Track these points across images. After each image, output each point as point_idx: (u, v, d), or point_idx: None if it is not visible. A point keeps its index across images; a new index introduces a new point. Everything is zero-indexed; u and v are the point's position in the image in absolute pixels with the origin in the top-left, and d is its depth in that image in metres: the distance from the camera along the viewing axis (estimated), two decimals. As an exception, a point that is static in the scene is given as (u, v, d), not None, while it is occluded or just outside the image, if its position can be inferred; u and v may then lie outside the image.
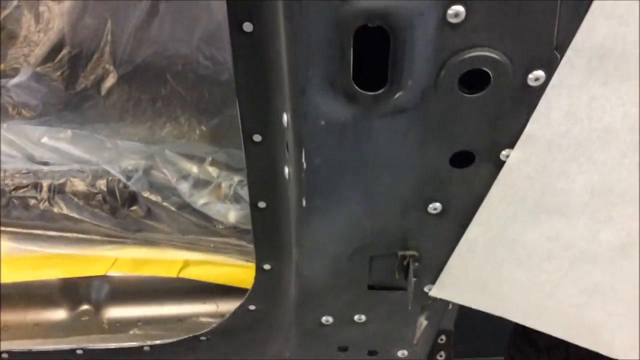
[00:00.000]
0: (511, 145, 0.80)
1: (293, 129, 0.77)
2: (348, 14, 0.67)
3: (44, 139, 1.39)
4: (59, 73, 1.57)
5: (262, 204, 0.96)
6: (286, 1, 0.67)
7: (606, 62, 0.72)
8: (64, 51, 1.58)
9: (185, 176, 1.33)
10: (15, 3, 1.62)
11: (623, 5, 0.67)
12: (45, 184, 1.30)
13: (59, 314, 1.45)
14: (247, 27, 0.75)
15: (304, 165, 0.79)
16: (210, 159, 1.40)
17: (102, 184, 1.30)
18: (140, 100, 1.55)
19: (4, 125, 1.42)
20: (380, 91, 0.73)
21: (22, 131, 1.41)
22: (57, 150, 1.38)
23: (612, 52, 0.71)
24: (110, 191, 1.30)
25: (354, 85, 0.73)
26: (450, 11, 0.67)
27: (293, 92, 0.74)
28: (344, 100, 0.74)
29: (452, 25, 0.68)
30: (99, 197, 1.30)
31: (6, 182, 1.29)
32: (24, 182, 1.30)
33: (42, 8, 1.61)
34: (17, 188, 1.29)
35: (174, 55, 1.53)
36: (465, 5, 0.67)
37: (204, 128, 1.50)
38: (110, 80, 1.56)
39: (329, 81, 0.72)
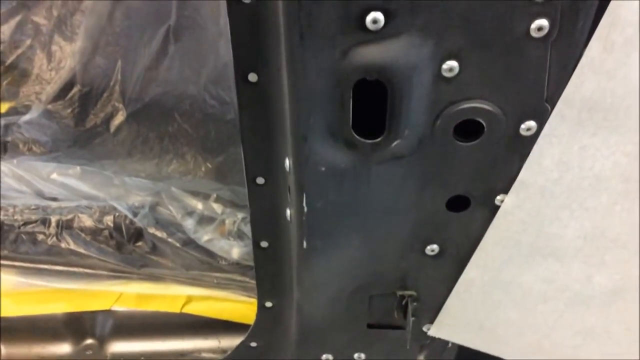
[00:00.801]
0: (505, 191, 0.83)
1: (295, 174, 0.81)
2: (347, 68, 0.70)
3: (54, 175, 1.43)
4: (69, 110, 1.62)
5: (264, 244, 0.99)
6: (289, 55, 0.71)
7: (595, 114, 0.75)
8: (75, 89, 1.63)
9: (190, 212, 1.36)
10: (28, 42, 1.67)
11: (610, 61, 0.70)
12: (53, 219, 1.33)
13: (64, 348, 1.47)
14: (252, 77, 0.79)
15: (305, 209, 0.82)
16: (215, 195, 1.43)
17: (109, 219, 1.33)
18: (148, 137, 1.59)
19: (15, 161, 1.46)
20: (379, 139, 0.77)
21: (32, 167, 1.45)
22: (66, 186, 1.42)
23: (600, 105, 0.74)
24: (117, 227, 1.33)
25: (354, 133, 0.76)
26: (445, 66, 0.71)
27: (295, 140, 0.77)
28: (343, 148, 0.77)
29: (447, 79, 0.72)
30: (106, 232, 1.33)
31: (15, 217, 1.32)
32: (33, 217, 1.33)
33: (54, 47, 1.66)
34: (26, 223, 1.32)
35: (181, 95, 1.57)
36: (459, 61, 0.70)
37: (209, 165, 1.53)
38: (119, 118, 1.61)
39: (330, 130, 0.76)
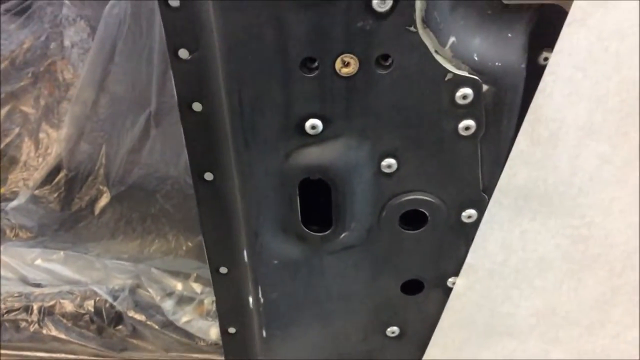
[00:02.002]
0: (456, 273, 0.87)
1: (249, 268, 0.84)
2: (291, 170, 0.75)
3: (38, 261, 1.47)
4: (55, 195, 1.67)
5: (231, 330, 1.01)
6: (237, 159, 0.76)
7: (531, 201, 0.79)
8: (61, 174, 1.69)
9: (169, 294, 1.39)
10: (17, 131, 1.74)
11: (538, 153, 0.75)
12: (35, 306, 1.36)
13: None
14: (208, 176, 0.83)
15: (262, 300, 0.85)
16: (195, 274, 1.46)
17: (89, 304, 1.36)
18: (131, 218, 1.64)
19: (1, 247, 1.50)
20: (328, 232, 0.81)
21: (18, 253, 1.49)
22: (50, 271, 1.45)
23: (534, 193, 0.78)
24: (98, 311, 1.36)
25: (303, 227, 0.80)
26: (384, 163, 0.75)
27: (247, 236, 0.81)
28: (295, 241, 0.81)
29: (387, 174, 0.76)
30: (87, 317, 1.36)
31: (-1, 305, 1.36)
32: (16, 305, 1.36)
33: (41, 135, 1.73)
34: (9, 311, 1.35)
35: (163, 176, 1.63)
36: (396, 158, 0.75)
37: (190, 244, 1.57)
38: (103, 200, 1.66)
39: (280, 225, 0.80)
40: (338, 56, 0.68)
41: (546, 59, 0.72)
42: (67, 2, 1.77)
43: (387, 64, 0.69)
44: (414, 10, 0.65)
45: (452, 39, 0.68)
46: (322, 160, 0.74)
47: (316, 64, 0.69)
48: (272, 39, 0.67)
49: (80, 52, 1.76)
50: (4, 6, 1.83)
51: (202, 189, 0.84)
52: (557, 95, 0.71)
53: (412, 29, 0.66)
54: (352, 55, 0.68)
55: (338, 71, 0.69)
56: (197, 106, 0.77)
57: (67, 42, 1.76)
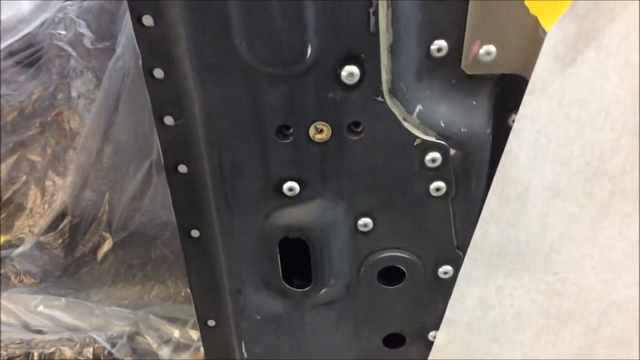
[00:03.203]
0: (436, 327, 0.89)
1: (233, 323, 0.87)
2: (270, 229, 0.78)
3: (40, 308, 1.50)
4: (60, 241, 1.71)
5: (221, 382, 1.04)
6: (219, 218, 0.79)
7: (504, 258, 0.81)
8: (66, 221, 1.73)
9: (166, 341, 1.41)
10: (24, 178, 1.80)
11: (508, 212, 0.78)
12: (36, 353, 1.39)
13: None
14: (195, 233, 0.87)
15: (245, 355, 0.87)
16: (192, 321, 1.49)
17: (88, 351, 1.39)
18: (132, 264, 1.67)
19: (4, 294, 1.54)
20: (308, 288, 0.83)
21: (21, 300, 1.52)
22: (52, 318, 1.48)
23: (507, 250, 0.81)
24: (96, 358, 1.38)
25: (284, 284, 0.83)
26: (360, 222, 0.79)
27: (230, 292, 0.84)
28: (276, 297, 0.84)
29: (364, 233, 0.79)
30: (86, 364, 1.38)
31: (0, 352, 1.38)
32: (17, 352, 1.39)
33: (48, 182, 1.78)
34: (10, 358, 1.38)
35: (164, 223, 1.67)
36: (371, 218, 0.78)
37: (188, 290, 1.59)
38: (106, 246, 1.70)
39: (261, 281, 0.83)
40: (311, 124, 0.72)
41: (514, 120, 0.75)
42: (74, 54, 1.84)
43: (359, 130, 0.72)
44: (380, 82, 0.69)
45: (419, 107, 0.72)
46: (300, 220, 0.78)
47: (291, 130, 0.72)
48: (249, 109, 0.71)
49: (86, 102, 1.82)
50: (15, 58, 1.91)
51: (189, 245, 0.88)
52: (523, 158, 0.74)
53: (379, 99, 0.70)
54: (324, 123, 0.72)
55: (312, 137, 0.72)
56: (182, 168, 0.81)
57: (74, 93, 1.82)
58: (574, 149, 0.74)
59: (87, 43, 1.83)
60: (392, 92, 0.70)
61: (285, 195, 0.76)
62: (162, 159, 0.82)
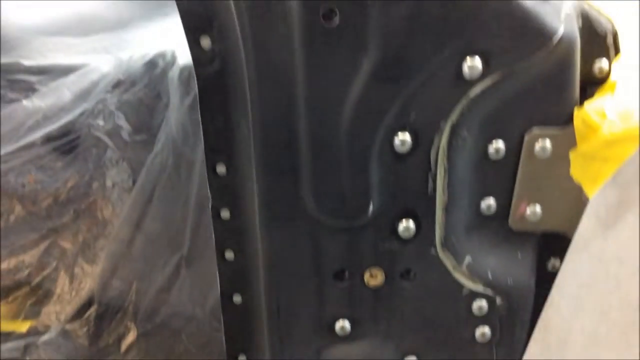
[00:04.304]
0: None
1: None
2: (320, 365, 0.82)
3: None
4: (85, 329, 1.73)
5: None
6: (271, 348, 0.83)
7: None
8: (92, 309, 1.76)
9: None
10: (54, 265, 1.84)
11: (549, 357, 0.81)
12: None
13: None
14: (242, 357, 0.90)
15: None
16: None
17: None
18: (156, 357, 1.69)
19: (30, 384, 1.55)
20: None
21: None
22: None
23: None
24: None
25: None
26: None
27: None
28: None
29: (408, 370, 0.83)
30: None
31: None
32: None
33: (77, 269, 1.82)
34: None
35: (189, 317, 1.69)
36: (418, 356, 0.82)
37: (211, 387, 1.60)
38: (130, 337, 1.72)
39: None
40: (366, 270, 0.77)
41: (554, 266, 0.80)
42: (111, 145, 1.92)
43: (410, 277, 0.77)
44: (434, 236, 0.74)
45: (468, 259, 0.77)
46: (350, 356, 0.81)
47: (347, 275, 0.77)
48: (309, 254, 0.76)
49: (120, 191, 1.89)
50: (53, 144, 1.99)
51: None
52: (564, 309, 0.78)
53: (432, 251, 0.75)
54: (379, 269, 0.77)
55: (366, 282, 0.77)
56: (237, 298, 0.85)
57: (109, 183, 1.89)
58: (613, 301, 0.78)
59: (124, 135, 1.91)
60: (444, 245, 0.75)
61: (337, 334, 0.80)
62: (219, 288, 0.86)
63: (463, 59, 0.66)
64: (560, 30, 0.65)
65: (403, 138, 0.69)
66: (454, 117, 0.69)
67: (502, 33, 0.65)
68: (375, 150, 0.70)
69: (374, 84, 0.67)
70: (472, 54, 0.66)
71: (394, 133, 0.69)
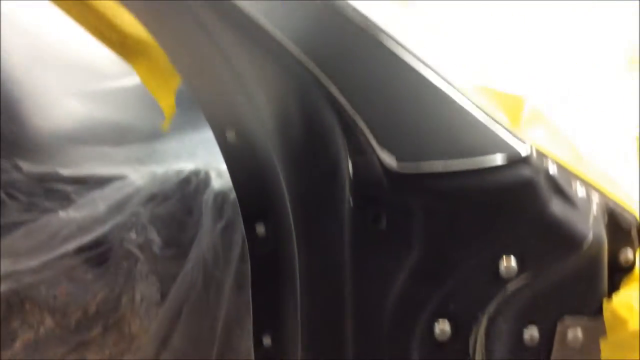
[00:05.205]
0: None
1: None
2: None
3: None
4: None
5: None
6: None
7: None
8: None
9: None
10: (81, 379, 1.86)
11: None
12: None
13: None
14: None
15: None
16: None
17: None
18: None
19: None
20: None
21: None
22: None
23: None
24: None
25: None
26: None
27: None
28: None
29: None
30: None
31: None
32: None
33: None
34: None
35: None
36: None
37: None
38: None
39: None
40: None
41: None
42: (142, 258, 1.98)
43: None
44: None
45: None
46: None
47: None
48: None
49: (147, 305, 1.93)
50: (84, 256, 2.05)
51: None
52: None
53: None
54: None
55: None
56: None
57: (137, 297, 1.94)
58: None
59: (155, 249, 1.97)
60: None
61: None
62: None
63: (499, 258, 0.72)
64: (590, 236, 0.71)
65: (443, 327, 0.73)
66: (491, 309, 0.74)
67: (536, 238, 0.71)
68: (417, 339, 0.75)
69: (416, 279, 0.72)
70: (508, 254, 0.71)
71: (434, 321, 0.74)
